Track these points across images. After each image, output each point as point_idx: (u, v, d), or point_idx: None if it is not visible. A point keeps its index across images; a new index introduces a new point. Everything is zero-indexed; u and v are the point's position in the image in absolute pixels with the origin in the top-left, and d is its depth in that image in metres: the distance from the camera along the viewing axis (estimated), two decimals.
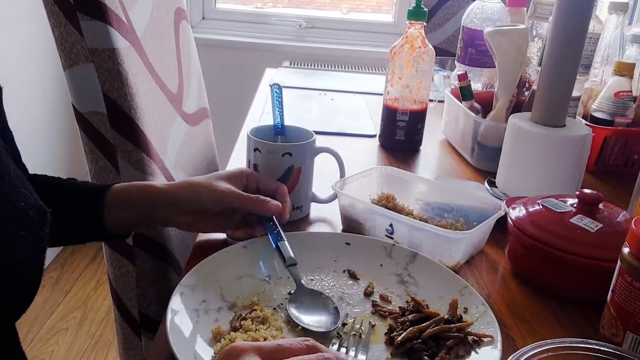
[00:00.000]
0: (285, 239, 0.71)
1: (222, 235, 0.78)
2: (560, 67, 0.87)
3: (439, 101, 1.38)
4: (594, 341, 0.52)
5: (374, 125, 1.28)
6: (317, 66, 2.49)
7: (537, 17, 1.17)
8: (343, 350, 0.58)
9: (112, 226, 0.72)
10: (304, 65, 2.49)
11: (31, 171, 0.73)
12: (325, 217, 0.86)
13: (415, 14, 1.08)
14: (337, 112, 1.39)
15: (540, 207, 0.74)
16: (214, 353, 0.56)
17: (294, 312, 0.63)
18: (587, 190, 0.74)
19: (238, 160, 1.05)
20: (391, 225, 0.78)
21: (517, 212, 0.75)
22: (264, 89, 1.52)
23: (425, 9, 1.07)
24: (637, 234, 0.57)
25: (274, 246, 0.70)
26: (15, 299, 0.53)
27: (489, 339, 0.60)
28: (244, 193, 0.73)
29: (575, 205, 0.73)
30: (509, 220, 0.75)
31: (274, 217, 0.73)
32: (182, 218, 0.73)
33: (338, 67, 2.47)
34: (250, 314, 0.61)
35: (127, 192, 0.73)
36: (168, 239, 0.91)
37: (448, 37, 2.20)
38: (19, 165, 0.68)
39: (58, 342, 1.98)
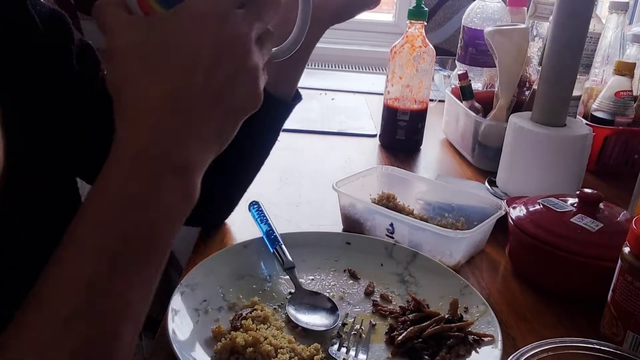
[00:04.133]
0: (282, 242, 0.71)
1: (222, 235, 0.78)
2: (560, 66, 0.87)
3: (440, 101, 1.38)
4: (594, 340, 0.52)
5: (374, 125, 1.28)
6: (318, 66, 2.49)
7: (537, 17, 1.17)
8: (343, 350, 0.58)
9: None
10: None
11: None
12: (326, 216, 0.86)
13: (415, 14, 1.07)
14: (338, 111, 1.39)
15: (541, 206, 0.74)
16: (215, 353, 0.56)
17: (293, 312, 0.63)
18: (587, 190, 0.74)
19: None
20: (392, 224, 0.78)
21: (517, 212, 0.75)
22: None
23: (426, 9, 1.07)
24: (637, 234, 0.57)
25: (272, 251, 0.70)
26: None
27: (489, 338, 0.60)
28: None
29: (575, 204, 0.73)
30: (510, 219, 0.75)
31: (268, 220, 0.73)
32: None
33: (338, 67, 2.47)
34: (250, 313, 0.61)
35: None
36: None
37: (448, 36, 2.20)
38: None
39: None
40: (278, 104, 0.72)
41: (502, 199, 0.86)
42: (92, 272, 0.37)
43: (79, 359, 0.36)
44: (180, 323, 0.58)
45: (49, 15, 0.57)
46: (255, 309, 0.62)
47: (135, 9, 0.39)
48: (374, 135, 1.22)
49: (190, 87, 0.39)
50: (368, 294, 0.69)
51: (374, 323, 0.63)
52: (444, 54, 1.63)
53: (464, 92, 1.12)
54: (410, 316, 0.63)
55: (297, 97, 0.75)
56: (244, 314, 0.61)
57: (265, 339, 0.57)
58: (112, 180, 0.38)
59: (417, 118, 1.13)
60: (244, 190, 0.78)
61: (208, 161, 0.41)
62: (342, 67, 2.47)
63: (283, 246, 0.70)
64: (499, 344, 0.58)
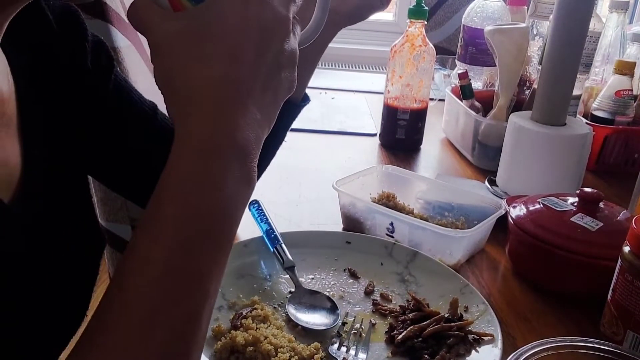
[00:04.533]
0: (282, 241, 0.71)
1: None
2: (560, 65, 0.87)
3: (440, 100, 1.38)
4: (594, 340, 0.52)
5: (374, 124, 1.27)
6: (318, 65, 2.49)
7: (537, 16, 1.17)
8: (343, 349, 0.58)
9: None
10: None
11: None
12: (326, 215, 0.86)
13: (415, 13, 1.07)
14: (338, 111, 1.39)
15: (541, 205, 0.74)
16: (214, 352, 0.56)
17: (293, 311, 0.63)
18: (587, 189, 0.74)
19: None
20: (392, 224, 0.78)
21: (517, 211, 0.75)
22: None
23: (426, 8, 1.07)
24: (637, 233, 0.57)
25: (272, 250, 0.70)
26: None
27: (489, 337, 0.60)
28: None
29: (575, 204, 0.73)
30: (510, 219, 0.75)
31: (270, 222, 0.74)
32: None
33: (338, 66, 2.47)
34: (250, 312, 0.61)
35: None
36: None
37: (449, 35, 2.20)
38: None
39: None
40: (286, 105, 0.72)
41: (502, 198, 0.86)
42: (172, 266, 0.37)
43: (169, 347, 0.36)
44: None
45: (61, 11, 0.57)
46: (255, 308, 0.62)
47: (166, 5, 0.39)
48: (374, 135, 1.22)
49: (240, 72, 0.39)
50: (368, 293, 0.69)
51: (374, 322, 0.63)
52: (444, 53, 1.63)
53: (464, 91, 1.12)
54: (410, 315, 0.63)
55: (305, 99, 0.76)
56: (244, 313, 0.61)
57: (265, 338, 0.57)
58: (179, 172, 0.39)
59: (417, 117, 1.13)
60: None
61: (261, 143, 0.41)
62: (342, 66, 2.47)
63: (283, 245, 0.70)
64: (499, 343, 0.58)
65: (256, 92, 0.40)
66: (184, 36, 0.38)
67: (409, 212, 0.84)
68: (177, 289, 0.37)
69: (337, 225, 0.84)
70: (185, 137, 0.39)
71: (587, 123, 1.02)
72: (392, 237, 0.78)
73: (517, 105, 1.06)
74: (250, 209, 0.79)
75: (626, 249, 0.59)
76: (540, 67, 0.95)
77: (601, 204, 0.73)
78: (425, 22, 1.08)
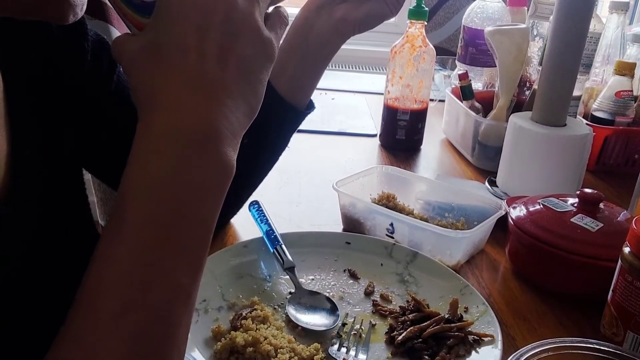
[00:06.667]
0: (282, 242, 0.71)
1: (222, 235, 0.78)
2: (561, 66, 0.87)
3: (440, 100, 1.38)
4: (594, 340, 0.52)
5: (374, 125, 1.27)
6: None
7: (537, 17, 1.17)
8: (343, 350, 0.58)
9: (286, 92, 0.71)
10: None
11: None
12: (326, 216, 0.86)
13: (415, 13, 1.07)
14: (338, 111, 1.39)
15: (541, 206, 0.74)
16: (214, 352, 0.56)
17: (293, 312, 0.63)
18: (587, 190, 0.74)
19: None
20: (392, 224, 0.78)
21: (517, 212, 0.75)
22: None
23: (426, 8, 1.07)
24: (637, 234, 0.57)
25: (272, 251, 0.70)
26: None
27: (489, 338, 0.60)
28: None
29: (575, 204, 0.73)
30: (510, 219, 0.75)
31: (270, 223, 0.74)
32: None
33: (338, 67, 2.47)
34: (250, 313, 0.61)
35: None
36: None
37: (449, 36, 2.20)
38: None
39: None
40: (290, 111, 0.73)
41: (502, 199, 0.86)
42: (138, 263, 0.37)
43: (136, 346, 0.36)
44: None
45: None
46: (255, 309, 0.62)
47: (134, 30, 0.43)
48: (374, 135, 1.22)
49: (189, 60, 0.39)
50: (368, 293, 0.69)
51: (374, 323, 0.63)
52: (444, 53, 1.63)
53: (464, 92, 1.12)
54: (410, 316, 0.63)
55: (310, 107, 0.76)
56: (243, 314, 0.61)
57: (265, 338, 0.57)
58: (139, 167, 0.38)
59: (417, 118, 1.13)
60: (251, 193, 0.79)
61: (238, 128, 0.41)
62: (342, 67, 2.47)
63: (283, 246, 0.70)
64: (499, 344, 0.58)
65: (212, 73, 0.39)
66: (144, 48, 0.40)
67: (409, 213, 0.84)
68: (142, 287, 0.36)
69: (337, 226, 0.84)
70: (144, 130, 0.39)
71: (587, 124, 1.02)
72: (392, 237, 0.78)
73: (517, 105, 1.06)
74: (250, 210, 0.79)
75: (626, 249, 0.59)
76: (540, 68, 0.95)
77: (601, 205, 0.73)
78: (426, 23, 1.08)
